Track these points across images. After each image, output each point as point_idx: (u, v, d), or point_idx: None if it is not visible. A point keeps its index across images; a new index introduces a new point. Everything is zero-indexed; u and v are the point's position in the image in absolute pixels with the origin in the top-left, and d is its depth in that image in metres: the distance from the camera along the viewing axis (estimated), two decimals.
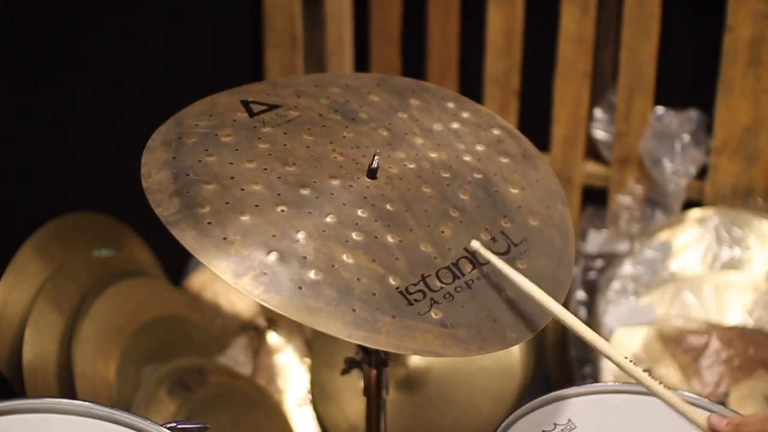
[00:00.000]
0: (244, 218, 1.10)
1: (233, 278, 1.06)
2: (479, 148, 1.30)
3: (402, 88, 1.37)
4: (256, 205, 1.12)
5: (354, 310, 1.06)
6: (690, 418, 1.05)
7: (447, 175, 1.24)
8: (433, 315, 1.09)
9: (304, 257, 1.08)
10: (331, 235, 1.11)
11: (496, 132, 1.34)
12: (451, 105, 1.36)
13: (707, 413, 1.06)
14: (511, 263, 1.16)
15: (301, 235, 1.10)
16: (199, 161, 1.16)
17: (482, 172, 1.27)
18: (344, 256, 1.10)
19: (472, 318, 1.10)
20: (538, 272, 1.17)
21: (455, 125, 1.32)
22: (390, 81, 1.38)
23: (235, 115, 1.25)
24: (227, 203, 1.12)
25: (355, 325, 1.05)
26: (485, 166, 1.28)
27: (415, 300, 1.09)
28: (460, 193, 1.23)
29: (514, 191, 1.26)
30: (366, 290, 1.08)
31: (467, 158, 1.28)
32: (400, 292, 1.09)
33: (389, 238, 1.14)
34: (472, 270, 1.15)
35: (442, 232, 1.17)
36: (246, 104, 1.27)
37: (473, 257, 1.16)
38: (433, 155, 1.27)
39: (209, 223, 1.09)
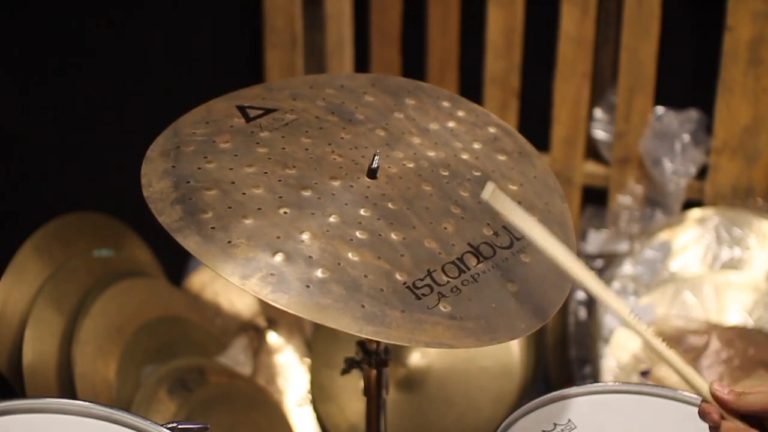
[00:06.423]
0: (248, 221, 1.10)
1: (241, 280, 1.05)
2: (476, 146, 1.30)
3: (397, 88, 1.37)
4: (259, 209, 1.12)
5: (363, 306, 1.06)
6: (693, 385, 1.04)
7: (446, 173, 1.24)
8: (441, 308, 1.09)
9: (310, 257, 1.08)
10: (336, 235, 1.11)
11: (492, 130, 1.34)
12: (446, 104, 1.36)
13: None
14: (515, 256, 1.17)
15: (305, 236, 1.10)
16: (199, 168, 1.16)
17: (480, 169, 1.27)
18: (350, 255, 1.10)
19: (481, 310, 1.11)
20: (542, 265, 1.18)
21: (451, 124, 1.33)
22: (385, 81, 1.38)
23: (232, 121, 1.24)
24: (229, 208, 1.11)
25: (365, 320, 1.05)
26: (483, 164, 1.28)
27: (423, 294, 1.09)
28: (460, 190, 1.23)
29: (513, 188, 1.26)
30: (373, 286, 1.08)
31: (465, 156, 1.28)
32: (408, 287, 1.09)
33: (393, 236, 1.14)
34: (477, 264, 1.15)
35: (445, 228, 1.17)
36: (242, 109, 1.26)
37: (478, 251, 1.16)
38: (432, 154, 1.27)
39: (213, 228, 1.09)
